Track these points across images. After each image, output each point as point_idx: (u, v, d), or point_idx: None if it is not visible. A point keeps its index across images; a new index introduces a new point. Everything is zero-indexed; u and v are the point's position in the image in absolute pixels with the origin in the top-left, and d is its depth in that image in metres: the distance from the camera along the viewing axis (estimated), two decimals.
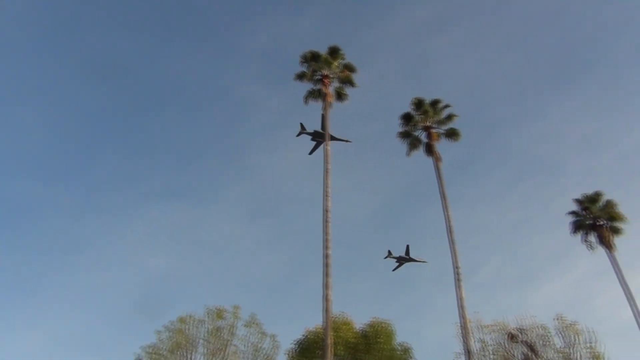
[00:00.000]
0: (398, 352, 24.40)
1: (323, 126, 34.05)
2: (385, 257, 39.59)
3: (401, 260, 39.54)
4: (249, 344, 24.21)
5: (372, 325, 25.35)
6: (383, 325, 25.22)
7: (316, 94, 31.52)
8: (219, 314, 24.70)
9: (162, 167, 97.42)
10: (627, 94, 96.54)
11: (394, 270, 40.99)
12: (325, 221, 25.50)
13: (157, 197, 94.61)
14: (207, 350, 23.62)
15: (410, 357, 24.08)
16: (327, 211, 25.89)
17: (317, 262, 23.59)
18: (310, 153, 39.06)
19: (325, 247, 24.39)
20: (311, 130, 37.18)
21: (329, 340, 21.09)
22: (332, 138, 34.72)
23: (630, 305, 35.86)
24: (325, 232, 25.03)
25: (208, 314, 25.09)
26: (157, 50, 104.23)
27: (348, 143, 38.44)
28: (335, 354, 21.81)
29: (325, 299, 22.49)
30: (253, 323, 24.77)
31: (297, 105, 32.56)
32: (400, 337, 25.50)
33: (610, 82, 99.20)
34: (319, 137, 37.30)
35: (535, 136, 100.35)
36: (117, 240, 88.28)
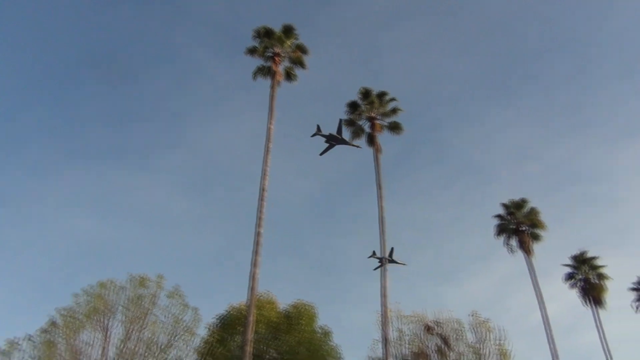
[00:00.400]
0: (318, 335, 24.83)
1: (339, 130, 35.12)
2: (369, 257, 40.95)
3: (383, 262, 40.74)
4: (170, 315, 23.92)
5: (295, 307, 25.63)
6: (306, 307, 25.56)
7: (265, 71, 31.17)
8: (142, 282, 24.22)
9: (94, 125, 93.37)
10: (558, 110, 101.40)
11: (375, 269, 42.44)
12: (261, 200, 25.43)
13: (85, 156, 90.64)
14: (125, 318, 23.14)
15: (330, 341, 24.63)
16: (263, 190, 25.82)
17: (248, 240, 23.58)
18: (321, 154, 38.39)
19: (258, 226, 24.36)
20: (326, 133, 36.68)
21: (252, 318, 21.18)
22: (343, 141, 35.54)
23: (540, 309, 38.09)
24: (260, 211, 24.99)
25: (130, 281, 24.55)
26: (105, 3, 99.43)
27: (347, 146, 38.56)
28: (256, 332, 21.95)
29: (252, 277, 22.53)
30: (176, 294, 24.47)
31: (245, 79, 32.15)
32: (324, 321, 26.02)
33: (545, 97, 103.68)
34: (333, 140, 37.05)
35: (473, 140, 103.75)
36: (39, 198, 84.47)
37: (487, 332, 25.74)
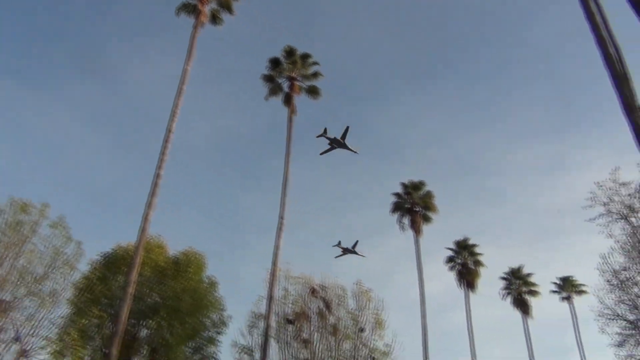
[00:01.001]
0: (204, 285, 24.81)
1: (343, 135, 37.50)
2: (334, 246, 42.95)
3: (346, 252, 41.92)
4: (50, 246, 22.73)
5: (185, 254, 25.35)
6: (196, 256, 25.36)
7: (190, 9, 29.74)
8: (24, 207, 22.71)
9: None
10: (472, 103, 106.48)
11: (336, 257, 44.41)
12: (166, 141, 24.60)
13: None
14: (0, 242, 21.67)
15: (215, 291, 24.72)
16: (170, 131, 24.96)
17: (148, 181, 22.83)
18: (321, 154, 40.51)
19: (159, 167, 23.61)
20: (332, 136, 38.30)
21: (138, 259, 20.69)
22: (344, 146, 37.50)
23: (419, 286, 40.59)
24: (163, 152, 24.19)
25: (11, 205, 22.94)
26: None
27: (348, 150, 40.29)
28: (141, 274, 21.49)
29: (145, 218, 21.92)
30: (60, 225, 23.22)
31: (168, 14, 30.53)
32: (213, 272, 25.91)
33: (463, 89, 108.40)
34: (335, 144, 38.91)
35: (388, 118, 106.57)
36: None
37: (367, 301, 27.05)
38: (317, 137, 38.66)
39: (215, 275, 25.63)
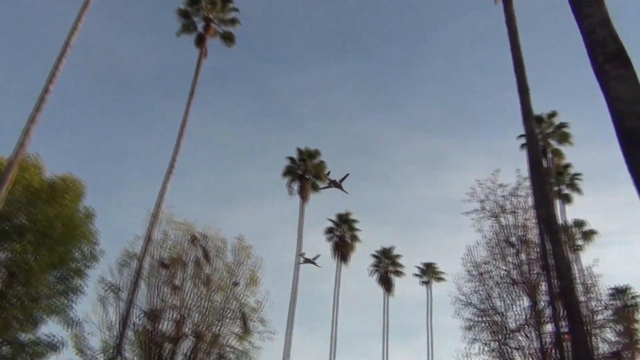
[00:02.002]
0: (80, 214, 23.51)
1: (342, 180, 42.03)
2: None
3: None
4: None
5: (63, 180, 23.75)
6: (76, 183, 23.84)
7: None
8: None
9: None
10: (376, 85, 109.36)
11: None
12: (61, 56, 22.68)
13: None
14: None
15: (91, 224, 23.51)
16: (67, 46, 23.00)
17: (35, 94, 20.97)
18: (321, 188, 44.06)
19: (49, 81, 21.76)
20: (333, 179, 42.46)
21: (11, 175, 19.12)
22: (340, 187, 42.01)
23: (296, 253, 41.71)
24: (56, 67, 22.30)
25: None
26: None
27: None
28: (11, 192, 19.88)
29: (25, 132, 20.22)
30: None
31: None
32: (92, 204, 24.48)
33: (371, 70, 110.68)
34: (334, 185, 42.93)
35: (295, 85, 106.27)
36: None
37: (246, 258, 27.22)
38: (326, 175, 42.67)
39: (94, 207, 24.42)
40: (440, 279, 57.26)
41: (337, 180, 42.00)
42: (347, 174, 43.03)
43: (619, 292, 47.62)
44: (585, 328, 11.46)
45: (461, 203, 27.10)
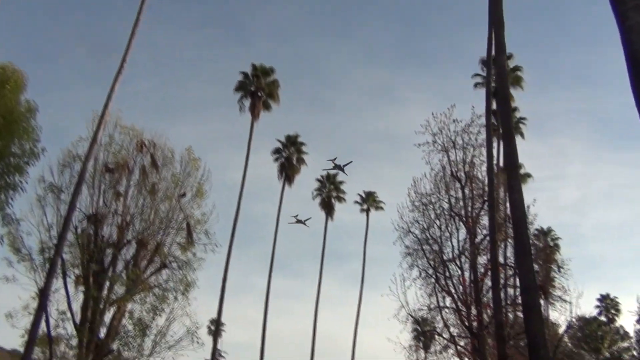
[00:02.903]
0: (20, 108, 21.99)
1: (346, 165, 42.91)
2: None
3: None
4: None
5: (3, 68, 21.87)
6: (16, 74, 22.06)
7: None
8: None
9: None
10: (329, 8, 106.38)
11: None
12: None
13: None
14: None
15: (33, 119, 22.03)
16: None
17: None
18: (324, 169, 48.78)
19: None
20: (338, 164, 43.15)
21: None
22: (342, 170, 43.74)
23: (244, 170, 41.51)
24: None
25: None
26: None
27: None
28: None
29: None
30: None
31: None
32: (36, 98, 22.67)
33: None
34: (337, 168, 44.14)
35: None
36: None
37: (194, 170, 26.76)
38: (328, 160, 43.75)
39: (36, 102, 22.78)
40: (379, 208, 58.89)
41: (341, 165, 44.26)
42: (351, 161, 47.05)
43: (543, 234, 50.89)
44: (531, 259, 12.05)
45: (403, 137, 27.42)
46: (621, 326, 67.74)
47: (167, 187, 25.92)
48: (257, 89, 43.10)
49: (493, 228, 20.28)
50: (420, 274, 25.90)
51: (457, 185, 27.29)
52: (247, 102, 42.97)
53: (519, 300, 26.71)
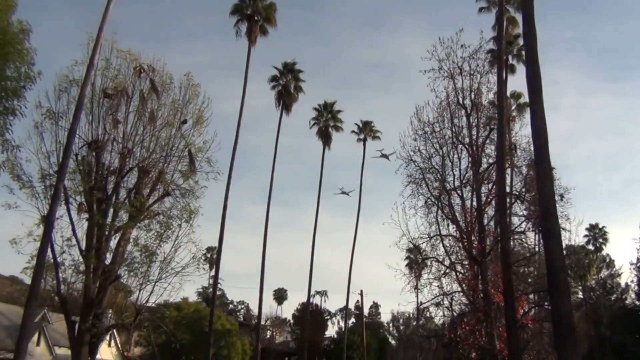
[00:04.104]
0: (13, 29, 20.86)
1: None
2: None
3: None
4: None
5: None
6: None
7: None
8: None
9: None
10: None
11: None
12: None
13: None
14: None
15: (27, 41, 20.95)
16: None
17: None
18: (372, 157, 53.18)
19: None
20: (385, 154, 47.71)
21: None
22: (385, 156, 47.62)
23: (242, 97, 40.70)
24: None
25: None
26: None
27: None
28: None
29: None
30: None
31: None
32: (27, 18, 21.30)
33: None
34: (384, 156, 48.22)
35: None
36: None
37: (194, 96, 26.12)
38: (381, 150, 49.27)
39: (29, 22, 21.56)
40: (375, 137, 58.66)
41: (387, 154, 47.94)
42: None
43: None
44: (552, 186, 11.94)
45: (398, 65, 26.75)
46: (607, 254, 69.73)
47: (167, 113, 25.34)
48: (254, 12, 41.54)
49: (501, 155, 20.16)
50: (425, 202, 26.03)
51: (462, 113, 26.95)
52: (243, 27, 41.55)
53: (519, 229, 27.07)
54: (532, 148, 27.40)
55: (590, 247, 72.97)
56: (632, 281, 57.34)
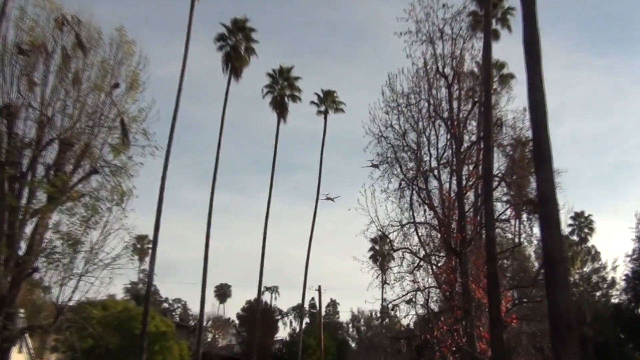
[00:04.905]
0: None
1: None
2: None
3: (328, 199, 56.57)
4: None
5: None
6: None
7: None
8: None
9: None
10: None
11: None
12: None
13: None
14: None
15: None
16: None
17: None
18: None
19: None
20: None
21: None
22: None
23: (184, 61, 39.76)
24: None
25: None
26: None
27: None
28: None
29: None
30: None
31: None
32: None
33: None
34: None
35: None
36: None
37: (128, 55, 25.31)
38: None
39: None
40: (338, 110, 58.60)
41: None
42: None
43: (521, 144, 52.21)
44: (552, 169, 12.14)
45: (366, 28, 26.65)
46: (593, 246, 71.87)
47: (95, 75, 24.48)
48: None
49: (488, 132, 20.37)
50: (399, 184, 26.17)
51: (442, 83, 27.11)
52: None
53: (504, 216, 27.66)
54: (519, 125, 28.19)
55: (575, 237, 75.38)
56: (620, 277, 59.66)
